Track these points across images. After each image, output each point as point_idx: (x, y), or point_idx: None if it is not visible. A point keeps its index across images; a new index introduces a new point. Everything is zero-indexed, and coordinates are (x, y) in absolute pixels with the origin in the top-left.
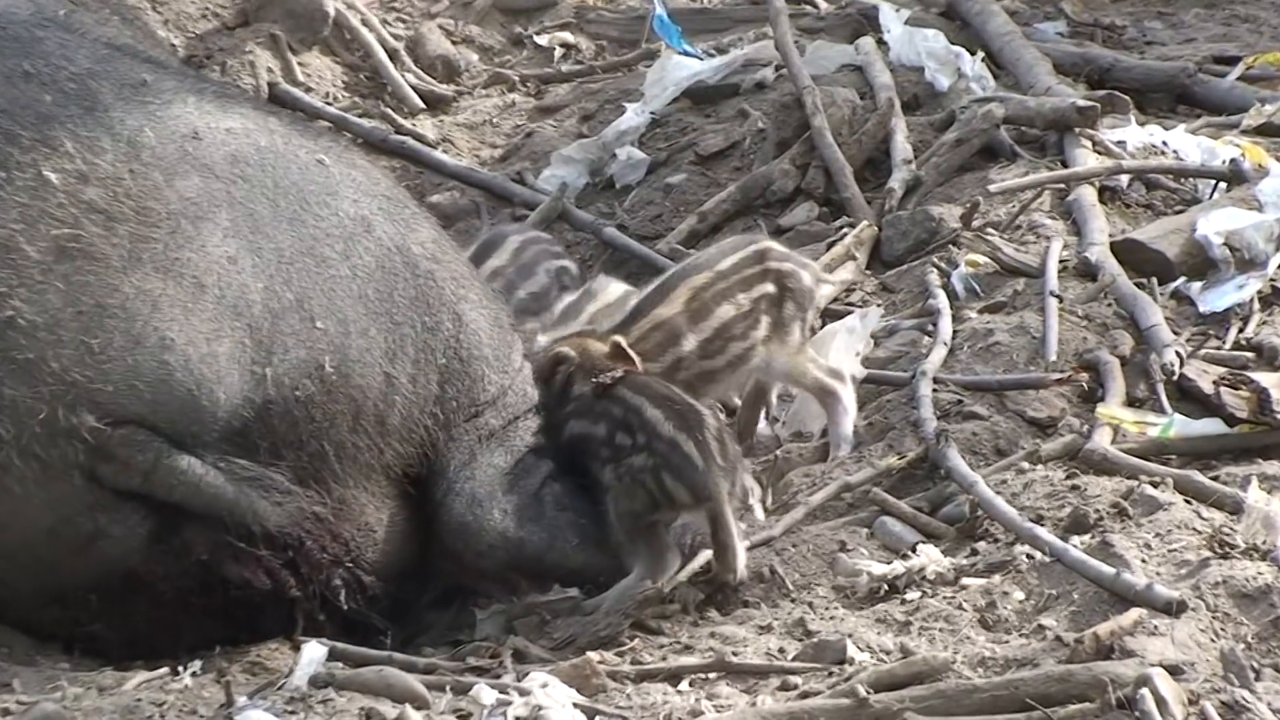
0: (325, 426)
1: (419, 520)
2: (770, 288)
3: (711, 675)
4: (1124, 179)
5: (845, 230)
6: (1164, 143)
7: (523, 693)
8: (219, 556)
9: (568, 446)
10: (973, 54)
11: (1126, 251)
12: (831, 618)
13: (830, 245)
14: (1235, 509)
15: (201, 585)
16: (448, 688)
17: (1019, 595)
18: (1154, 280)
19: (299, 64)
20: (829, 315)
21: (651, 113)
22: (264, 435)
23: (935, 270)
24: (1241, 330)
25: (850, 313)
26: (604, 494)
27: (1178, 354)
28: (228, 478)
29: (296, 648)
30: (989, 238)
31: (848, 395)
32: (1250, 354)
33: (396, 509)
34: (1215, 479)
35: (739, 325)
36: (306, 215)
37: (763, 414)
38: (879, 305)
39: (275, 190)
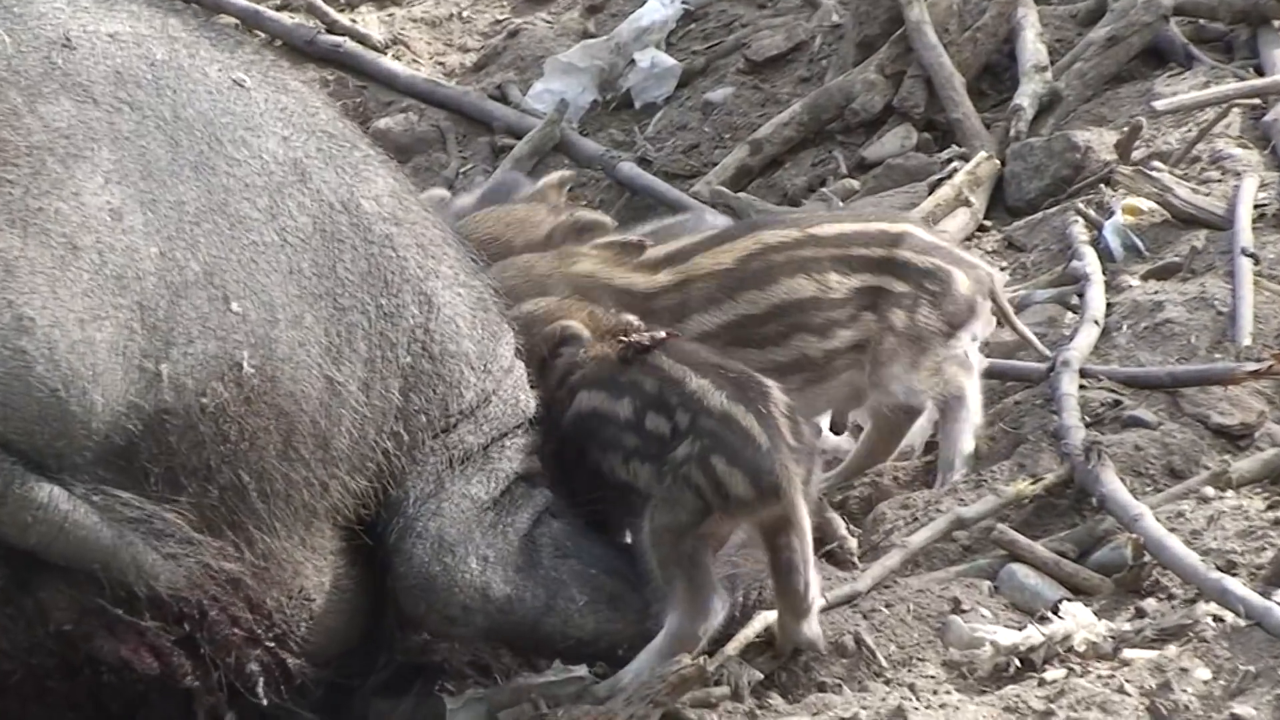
0: (244, 449)
1: (373, 583)
2: (897, 285)
3: None
4: None
5: (955, 165)
6: None
7: None
8: (88, 627)
9: (573, 427)
10: None
11: None
12: (942, 705)
13: (934, 186)
14: None
15: (62, 665)
16: None
17: (1203, 674)
18: None
19: None
20: None
21: (683, 2)
22: (157, 459)
23: (1081, 220)
24: None
25: None
26: (616, 502)
27: None
28: (104, 517)
29: None
30: (1155, 175)
31: (974, 396)
32: None
33: (344, 569)
34: None
35: (817, 314)
36: (218, 158)
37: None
38: (1003, 268)
39: (176, 122)
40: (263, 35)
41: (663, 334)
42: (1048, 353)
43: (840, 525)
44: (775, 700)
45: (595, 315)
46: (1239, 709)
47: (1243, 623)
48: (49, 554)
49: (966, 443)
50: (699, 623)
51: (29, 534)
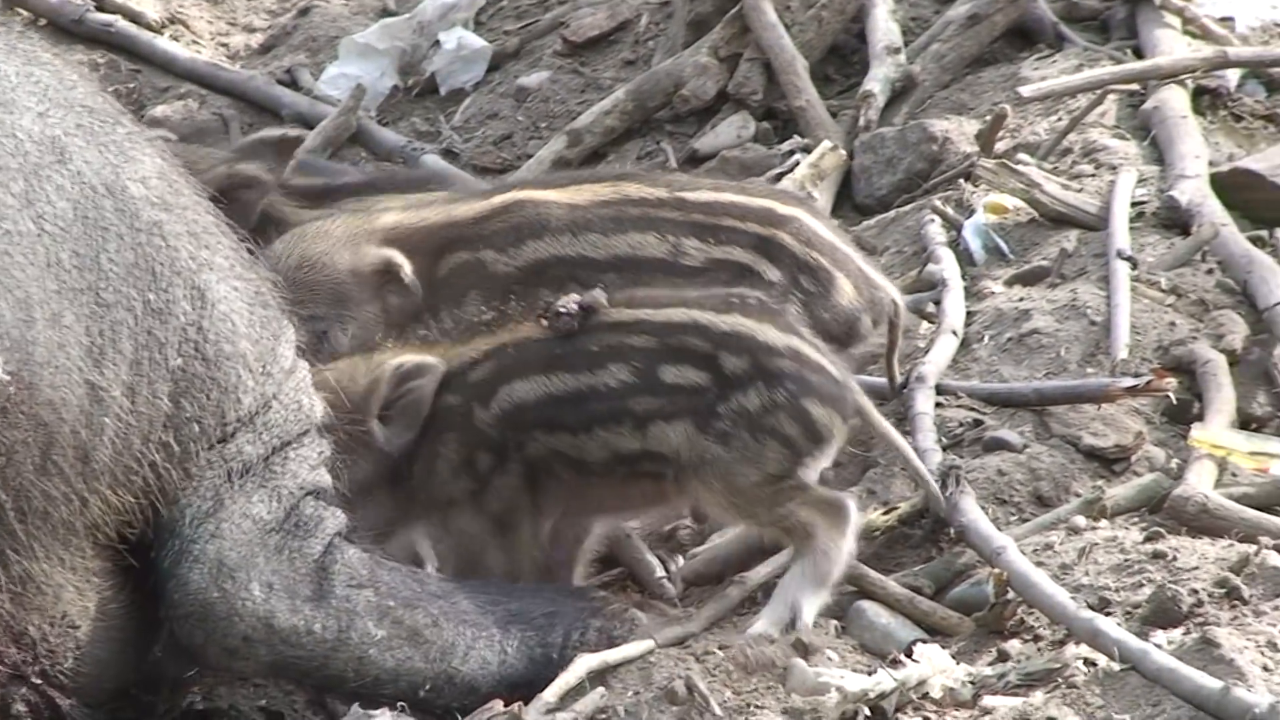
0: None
1: (143, 607)
2: (768, 271)
3: None
4: (1231, 76)
5: (798, 158)
6: None
7: None
8: None
9: (502, 425)
10: None
11: (1237, 188)
12: None
13: (774, 182)
14: None
15: None
16: None
17: None
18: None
19: None
20: None
21: None
22: None
23: (938, 219)
24: None
25: None
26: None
27: None
28: None
29: None
30: (1021, 168)
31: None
32: None
33: (109, 591)
34: None
35: (662, 276)
36: None
37: None
38: None
39: None
40: (24, 13)
41: (599, 293)
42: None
43: (657, 567)
44: None
45: (406, 344)
46: None
47: (1117, 667)
48: None
49: None
50: (842, 535)
51: None
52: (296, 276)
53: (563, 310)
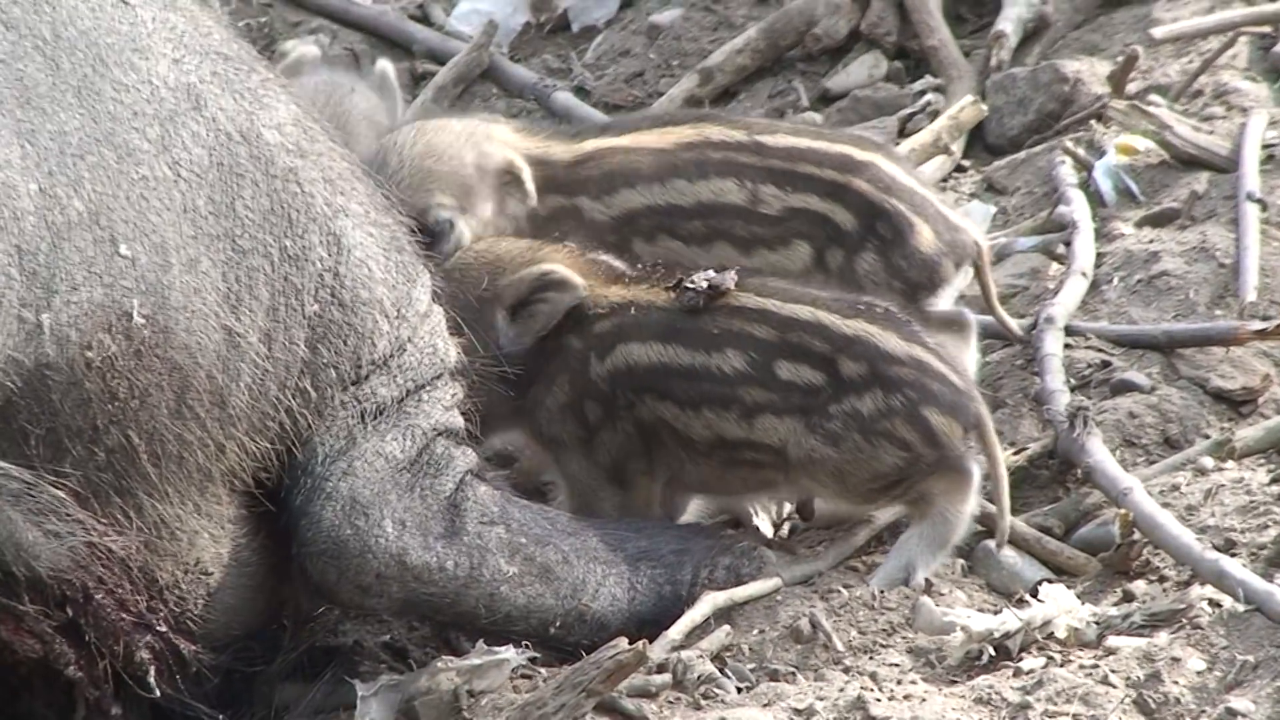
0: (133, 407)
1: (274, 551)
2: (843, 219)
3: None
4: None
5: (929, 98)
6: None
7: None
8: None
9: (616, 383)
10: None
11: None
12: (906, 697)
13: (905, 121)
14: None
15: None
16: None
17: (1197, 664)
18: None
19: None
20: None
21: None
22: (38, 419)
23: (1069, 160)
24: None
25: None
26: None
27: None
28: None
29: None
30: (1153, 110)
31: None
32: None
33: (244, 540)
34: None
35: (742, 225)
36: (103, 83)
37: None
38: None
39: (56, 42)
40: None
41: (733, 276)
42: (1019, 333)
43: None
44: (723, 689)
45: (574, 253)
46: (1236, 703)
47: (1241, 608)
48: None
49: None
50: (964, 499)
51: None
52: (424, 165)
53: (690, 286)
